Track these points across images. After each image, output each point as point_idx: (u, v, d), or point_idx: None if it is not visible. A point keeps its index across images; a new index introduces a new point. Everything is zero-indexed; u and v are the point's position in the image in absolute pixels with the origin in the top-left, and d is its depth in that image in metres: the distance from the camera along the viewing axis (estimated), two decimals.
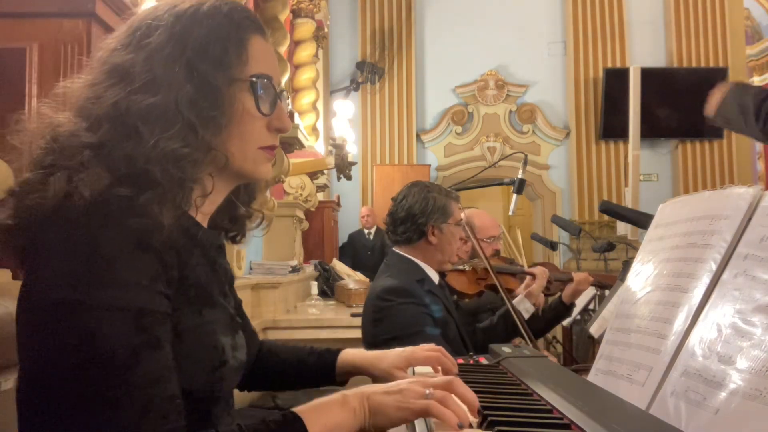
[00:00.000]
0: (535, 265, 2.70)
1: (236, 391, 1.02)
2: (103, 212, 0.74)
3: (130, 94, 0.80)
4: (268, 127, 0.91)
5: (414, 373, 1.15)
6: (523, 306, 2.25)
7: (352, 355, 1.21)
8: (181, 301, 0.81)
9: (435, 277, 2.02)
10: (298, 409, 0.78)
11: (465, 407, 0.80)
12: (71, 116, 0.81)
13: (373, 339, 1.90)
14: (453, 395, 0.81)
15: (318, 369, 1.21)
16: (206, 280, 0.87)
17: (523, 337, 1.92)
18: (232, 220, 1.03)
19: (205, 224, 0.94)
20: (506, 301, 1.94)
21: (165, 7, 0.87)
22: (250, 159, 0.90)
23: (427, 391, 0.79)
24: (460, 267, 2.32)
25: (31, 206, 0.75)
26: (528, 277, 2.33)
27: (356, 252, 6.90)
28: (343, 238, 7.18)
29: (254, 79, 0.88)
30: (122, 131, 0.79)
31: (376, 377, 1.19)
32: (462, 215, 2.06)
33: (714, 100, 2.31)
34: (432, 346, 1.19)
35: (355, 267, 5.54)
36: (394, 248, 2.05)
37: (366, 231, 7.03)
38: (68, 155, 0.77)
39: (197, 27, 0.85)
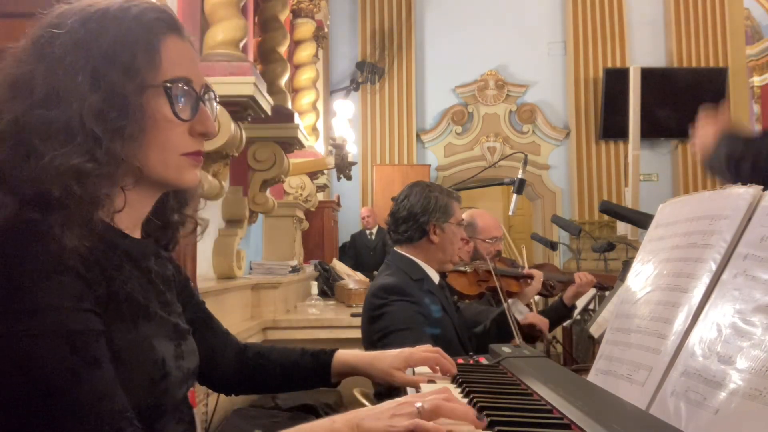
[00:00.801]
0: (536, 266, 2.70)
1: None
2: (11, 241, 0.71)
3: (29, 108, 0.76)
4: (190, 132, 0.86)
5: (414, 374, 1.15)
6: (516, 308, 2.25)
7: (348, 355, 1.18)
8: (113, 317, 0.78)
9: (435, 277, 2.02)
10: None
11: (465, 408, 0.78)
12: None
13: (369, 337, 1.91)
14: (446, 398, 0.78)
15: (312, 370, 1.18)
16: (141, 292, 0.84)
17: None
18: (164, 227, 0.97)
19: (137, 233, 0.90)
20: (504, 303, 1.94)
21: (70, 12, 0.82)
22: (172, 167, 0.85)
23: (418, 405, 0.76)
24: (462, 268, 2.32)
25: None
26: (522, 279, 2.34)
27: (358, 252, 6.90)
28: (343, 238, 7.17)
29: (168, 84, 0.83)
30: (23, 150, 0.75)
31: (374, 378, 1.18)
32: (463, 216, 2.07)
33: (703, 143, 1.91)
34: (429, 347, 1.18)
35: (357, 267, 5.54)
36: (395, 248, 2.06)
37: (368, 231, 7.02)
38: None
39: (103, 33, 0.80)
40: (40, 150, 0.75)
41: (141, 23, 0.83)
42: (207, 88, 0.91)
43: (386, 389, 1.16)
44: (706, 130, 1.88)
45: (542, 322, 2.28)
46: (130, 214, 0.87)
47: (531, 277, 2.34)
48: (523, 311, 2.26)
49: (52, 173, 0.74)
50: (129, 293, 0.82)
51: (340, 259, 5.61)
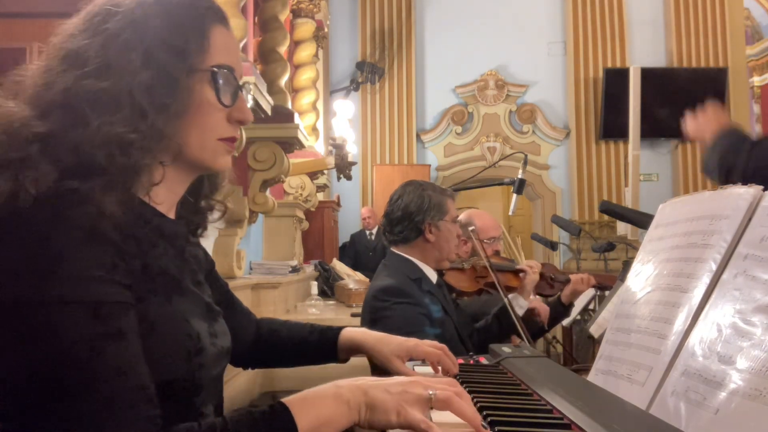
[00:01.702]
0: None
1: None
2: (49, 208, 0.73)
3: (81, 78, 0.79)
4: (228, 119, 0.90)
5: (414, 370, 1.15)
6: (516, 303, 2.24)
7: (354, 332, 1.20)
8: (147, 290, 0.79)
9: (433, 276, 2.02)
10: (287, 400, 0.76)
11: (474, 411, 0.78)
12: (22, 104, 0.80)
13: None
14: (457, 398, 0.79)
15: (320, 346, 1.20)
16: (175, 269, 0.86)
17: (519, 336, 1.92)
18: (195, 212, 1.01)
19: (171, 215, 0.93)
20: (504, 298, 1.93)
21: None
22: (209, 149, 0.89)
23: (430, 392, 0.77)
24: (459, 265, 2.32)
25: None
26: (521, 273, 2.34)
27: (358, 253, 6.88)
28: (343, 237, 7.17)
29: (215, 69, 0.87)
30: (71, 118, 0.78)
31: (375, 359, 1.18)
32: (461, 216, 2.06)
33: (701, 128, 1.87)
34: (435, 343, 1.18)
35: (356, 267, 5.52)
36: (391, 248, 2.05)
37: (367, 232, 7.01)
38: (16, 147, 0.76)
39: (158, 15, 0.84)
40: (88, 117, 0.77)
41: (194, 10, 0.87)
42: (244, 80, 0.93)
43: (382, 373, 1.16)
44: (703, 124, 1.86)
45: (542, 308, 2.27)
46: (166, 194, 0.90)
47: (522, 270, 2.33)
48: (523, 306, 2.26)
49: (99, 140, 0.77)
50: (164, 268, 0.83)
51: (340, 260, 5.60)
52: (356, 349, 1.19)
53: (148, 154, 0.82)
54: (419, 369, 1.16)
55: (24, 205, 0.72)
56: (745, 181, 1.55)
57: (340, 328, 1.21)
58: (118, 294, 0.74)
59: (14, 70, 0.85)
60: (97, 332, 0.70)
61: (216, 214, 1.04)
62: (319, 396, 0.77)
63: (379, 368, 1.17)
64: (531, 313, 2.22)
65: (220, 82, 0.87)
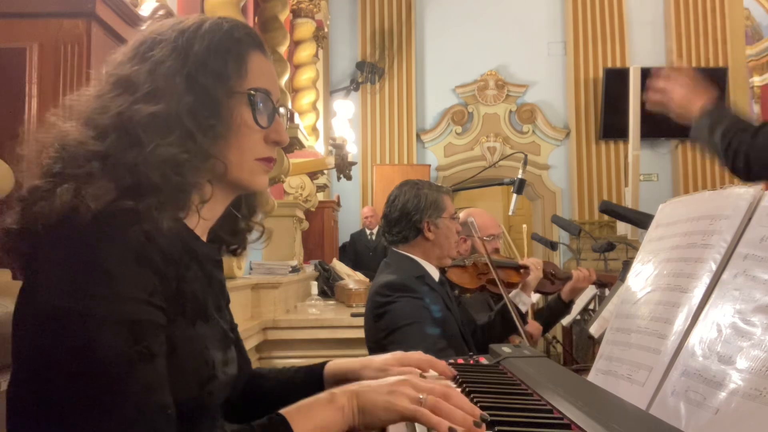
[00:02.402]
0: None
1: None
2: (106, 226, 0.76)
3: (133, 103, 0.83)
4: (265, 140, 0.94)
5: None
6: (520, 299, 2.25)
7: (338, 363, 1.20)
8: (176, 313, 0.82)
9: (435, 274, 2.02)
10: (284, 411, 0.79)
11: (464, 414, 0.78)
12: (78, 126, 0.84)
13: (375, 335, 1.90)
14: (447, 402, 0.79)
15: (307, 383, 1.18)
16: (202, 294, 0.89)
17: (519, 334, 1.92)
18: (233, 233, 1.04)
19: (204, 237, 0.95)
20: (504, 294, 1.94)
21: (169, 24, 0.92)
22: (246, 169, 0.92)
23: (421, 396, 0.78)
24: (461, 263, 2.32)
25: (38, 214, 0.77)
26: (523, 270, 2.34)
27: (358, 252, 6.87)
28: (343, 237, 7.17)
29: (252, 92, 0.91)
30: (126, 140, 0.82)
31: (368, 377, 1.18)
32: (460, 215, 2.06)
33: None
34: (420, 355, 1.16)
35: (356, 267, 5.52)
36: (392, 248, 2.06)
37: (368, 231, 6.99)
38: (76, 164, 0.79)
39: (198, 42, 0.89)
40: (143, 140, 0.82)
41: (232, 36, 0.92)
42: (281, 104, 0.99)
43: None
44: (678, 88, 1.73)
45: (535, 329, 2.28)
46: (206, 214, 0.93)
47: (524, 267, 2.33)
48: (526, 302, 2.26)
49: (154, 161, 0.81)
50: (193, 293, 0.86)
51: (340, 260, 5.60)
52: (343, 377, 1.18)
53: (198, 173, 0.86)
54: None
55: (82, 220, 0.75)
56: (748, 166, 1.52)
57: (323, 363, 1.21)
58: (155, 316, 0.77)
59: (58, 75, 0.91)
60: (133, 351, 0.73)
61: (255, 235, 1.08)
62: (315, 404, 0.80)
63: None
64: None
65: (258, 104, 0.91)
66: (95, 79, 0.91)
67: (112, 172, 0.79)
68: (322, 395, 0.81)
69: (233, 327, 1.11)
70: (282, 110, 1.00)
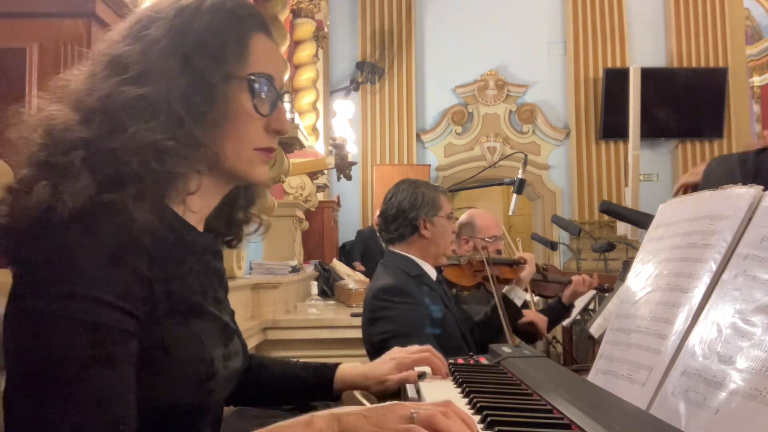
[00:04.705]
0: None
1: None
2: (81, 225, 0.72)
3: (120, 84, 0.79)
4: (266, 128, 0.88)
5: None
6: (515, 294, 2.26)
7: (347, 370, 1.19)
8: (165, 314, 0.79)
9: (432, 273, 2.03)
10: (259, 431, 0.74)
11: (462, 425, 0.71)
12: (66, 109, 0.80)
13: (370, 338, 1.90)
14: (443, 411, 0.72)
15: (314, 384, 1.18)
16: (198, 288, 0.86)
17: (513, 329, 1.92)
18: (229, 224, 1.00)
19: (200, 227, 0.91)
20: (494, 291, 1.94)
21: (169, 1, 0.86)
22: (244, 159, 0.87)
23: (412, 411, 0.71)
24: (456, 261, 2.33)
25: (21, 210, 0.74)
26: (517, 266, 2.35)
27: (367, 252, 6.71)
28: (343, 237, 7.15)
29: (253, 77, 0.85)
30: (110, 125, 0.77)
31: (371, 389, 1.19)
32: (462, 216, 2.06)
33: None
34: (419, 347, 1.19)
35: (364, 265, 5.42)
36: (389, 247, 2.06)
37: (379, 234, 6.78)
38: (60, 152, 0.76)
39: (197, 21, 0.83)
40: (125, 124, 0.77)
41: (234, 16, 0.86)
42: (284, 90, 0.93)
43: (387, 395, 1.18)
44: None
45: (541, 320, 2.28)
46: (200, 204, 0.88)
47: (524, 261, 2.34)
48: (521, 296, 2.28)
49: (134, 146, 0.76)
50: (186, 289, 0.83)
51: (339, 260, 5.59)
52: (350, 384, 1.19)
53: (184, 162, 0.81)
54: (419, 369, 1.16)
55: (59, 218, 0.72)
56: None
57: (335, 366, 1.20)
58: (121, 321, 0.73)
59: (58, 74, 0.85)
60: (89, 355, 0.70)
61: (252, 227, 1.03)
62: (291, 427, 0.74)
63: (381, 396, 1.17)
64: (531, 326, 2.23)
65: (258, 90, 0.86)
66: (90, 59, 0.86)
67: (93, 162, 0.75)
68: (300, 418, 0.74)
69: (232, 316, 1.09)
70: (287, 96, 0.95)
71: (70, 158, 0.75)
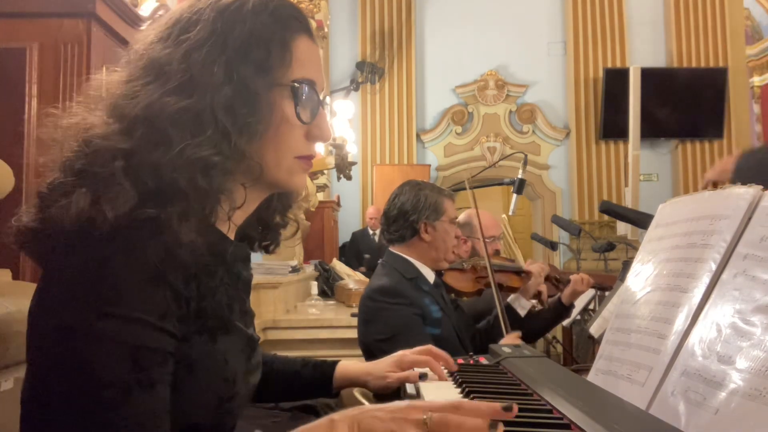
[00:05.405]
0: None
1: None
2: (122, 241, 0.70)
3: (163, 95, 0.75)
4: (306, 136, 0.85)
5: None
6: (518, 303, 2.25)
7: (347, 367, 1.20)
8: (194, 331, 0.77)
9: (430, 276, 2.02)
10: None
11: (475, 421, 0.71)
12: (105, 116, 0.76)
13: (364, 338, 1.90)
14: (457, 412, 0.72)
15: (314, 381, 1.19)
16: (227, 302, 0.83)
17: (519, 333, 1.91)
18: (266, 230, 0.97)
19: (232, 236, 0.88)
20: (496, 299, 1.93)
21: (208, 1, 0.81)
22: (284, 169, 0.84)
23: (425, 416, 0.70)
24: (459, 266, 2.31)
25: (55, 216, 0.71)
26: (524, 274, 2.34)
27: (359, 253, 6.78)
28: (343, 237, 7.15)
29: (296, 84, 0.82)
30: (154, 137, 0.74)
31: (371, 386, 1.19)
32: (461, 216, 2.06)
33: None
34: (420, 348, 1.20)
35: (357, 268, 5.49)
36: (389, 248, 2.06)
37: (371, 232, 6.90)
38: (100, 162, 0.73)
39: (240, 24, 0.79)
40: (172, 138, 0.73)
41: (277, 19, 0.82)
42: (324, 95, 0.90)
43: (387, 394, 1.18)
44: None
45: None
46: (238, 215, 0.85)
47: (527, 272, 2.33)
48: (525, 306, 2.26)
49: (182, 163, 0.73)
50: (216, 305, 0.80)
51: (340, 260, 5.59)
52: (349, 382, 1.19)
53: (230, 177, 0.78)
54: (419, 369, 1.16)
55: (98, 232, 0.69)
56: None
57: (335, 363, 1.20)
58: (162, 342, 0.72)
59: (90, 76, 0.81)
60: (133, 378, 0.69)
61: (290, 231, 1.00)
62: (313, 429, 0.73)
63: (380, 396, 1.17)
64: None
65: (301, 96, 0.82)
66: (125, 60, 0.81)
67: (135, 174, 0.72)
68: (322, 422, 0.73)
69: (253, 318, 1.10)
70: (328, 101, 0.92)
71: (111, 168, 0.72)
